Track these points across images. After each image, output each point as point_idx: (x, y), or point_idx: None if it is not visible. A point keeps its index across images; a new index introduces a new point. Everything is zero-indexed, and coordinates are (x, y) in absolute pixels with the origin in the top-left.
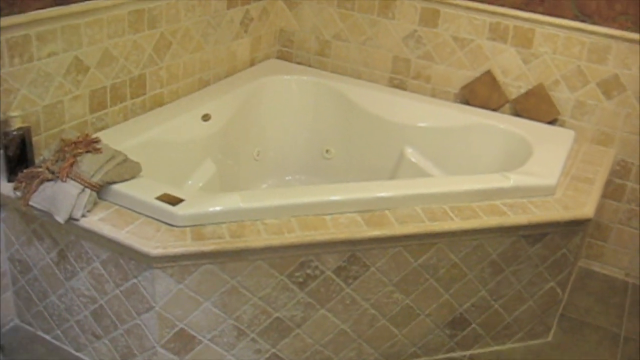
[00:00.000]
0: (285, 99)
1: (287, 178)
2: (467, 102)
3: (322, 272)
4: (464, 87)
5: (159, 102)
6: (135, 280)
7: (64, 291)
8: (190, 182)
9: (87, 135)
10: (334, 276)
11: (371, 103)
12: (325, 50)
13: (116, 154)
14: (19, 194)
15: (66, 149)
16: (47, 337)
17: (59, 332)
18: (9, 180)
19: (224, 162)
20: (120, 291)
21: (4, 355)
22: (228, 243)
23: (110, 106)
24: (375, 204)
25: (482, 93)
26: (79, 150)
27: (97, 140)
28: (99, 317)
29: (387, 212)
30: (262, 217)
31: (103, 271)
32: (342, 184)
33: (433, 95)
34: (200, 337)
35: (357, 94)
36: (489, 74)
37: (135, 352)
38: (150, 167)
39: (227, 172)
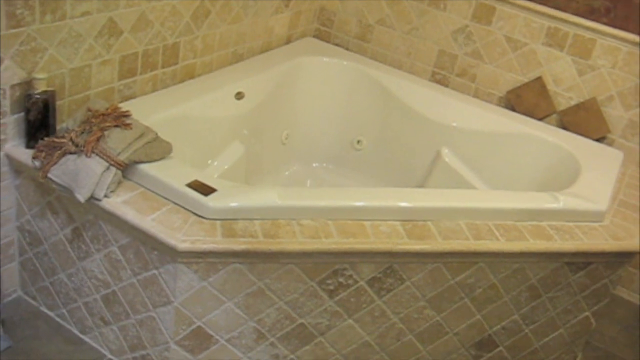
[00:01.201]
0: (322, 82)
1: (314, 165)
2: (511, 108)
3: (356, 282)
4: (511, 92)
5: (190, 74)
6: (155, 272)
7: (75, 270)
8: (216, 162)
9: (116, 107)
10: (367, 287)
11: (410, 97)
12: (367, 34)
13: (147, 131)
14: (37, 163)
15: (93, 120)
16: (51, 314)
17: (64, 310)
18: (28, 146)
19: (251, 143)
20: (138, 280)
21: (5, 330)
22: (261, 244)
23: (140, 74)
24: (418, 214)
25: (529, 100)
26: (107, 124)
27: (127, 114)
28: (110, 302)
29: (429, 223)
30: (298, 216)
31: (121, 257)
32: (384, 189)
33: (476, 96)
34: (217, 337)
35: (396, 85)
36: (539, 80)
37: (146, 344)
38: (176, 143)
39: (253, 155)
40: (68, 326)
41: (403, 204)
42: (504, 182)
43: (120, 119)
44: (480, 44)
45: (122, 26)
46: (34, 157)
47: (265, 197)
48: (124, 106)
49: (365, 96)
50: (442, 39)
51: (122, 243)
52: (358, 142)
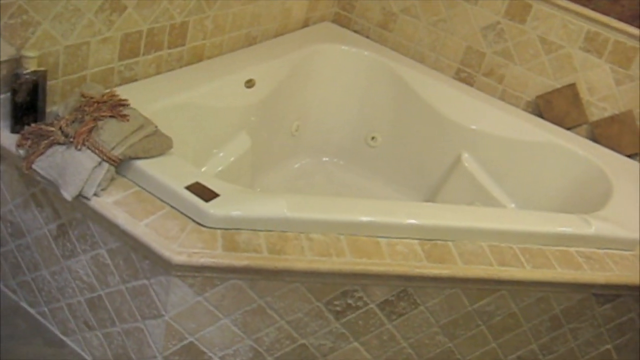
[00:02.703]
0: (338, 71)
1: (324, 159)
2: (539, 114)
3: (366, 304)
4: (540, 97)
5: (198, 56)
6: (146, 282)
7: (59, 269)
8: (222, 153)
9: (112, 94)
10: (377, 310)
11: (432, 94)
12: (389, 23)
13: (146, 123)
14: (22, 152)
15: (86, 108)
16: (32, 310)
17: (45, 309)
18: (13, 131)
19: (259, 134)
20: (126, 288)
21: None
22: (265, 260)
23: (143, 54)
24: (439, 234)
25: (559, 107)
26: (102, 113)
27: (124, 103)
28: (95, 307)
29: (450, 244)
30: (308, 230)
31: (109, 261)
32: (403, 203)
33: (502, 98)
34: (210, 354)
35: (418, 81)
36: (572, 87)
37: (132, 355)
38: (179, 133)
39: (261, 146)
40: (49, 326)
41: (422, 222)
42: (526, 194)
43: (117, 109)
44: (511, 43)
45: (126, 1)
46: (18, 145)
47: (273, 207)
48: (124, 90)
49: (383, 90)
50: (470, 35)
51: (111, 247)
52: (372, 138)
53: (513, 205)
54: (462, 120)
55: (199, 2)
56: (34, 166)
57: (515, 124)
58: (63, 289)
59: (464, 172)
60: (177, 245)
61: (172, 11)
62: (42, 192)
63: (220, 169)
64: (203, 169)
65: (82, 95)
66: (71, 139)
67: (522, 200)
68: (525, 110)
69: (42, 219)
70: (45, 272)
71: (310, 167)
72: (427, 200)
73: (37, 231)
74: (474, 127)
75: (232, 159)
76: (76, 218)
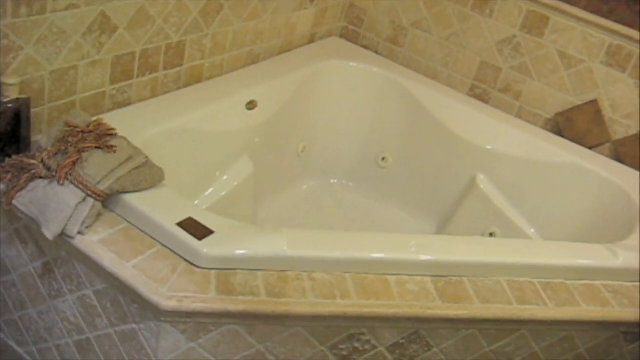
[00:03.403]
0: (346, 89)
1: (332, 181)
2: (559, 132)
3: (374, 348)
4: (560, 114)
5: (197, 77)
6: (135, 326)
7: (46, 308)
8: (225, 177)
9: (99, 123)
10: (386, 353)
11: (445, 112)
12: (400, 38)
13: (135, 153)
14: (2, 186)
15: (70, 139)
16: (20, 350)
17: (34, 349)
18: None
19: (263, 157)
20: (115, 332)
21: None
22: (264, 304)
23: (137, 77)
24: (452, 270)
25: (580, 125)
26: (87, 145)
27: (112, 133)
28: (84, 350)
29: (465, 280)
30: (310, 268)
31: (96, 303)
32: (413, 237)
33: (519, 116)
34: None
35: (430, 98)
36: (594, 104)
37: None
38: (175, 159)
39: (266, 169)
40: None
41: (435, 257)
42: (546, 219)
43: (103, 139)
44: (528, 58)
45: (116, 22)
46: None
47: (273, 244)
48: (116, 115)
49: (394, 108)
50: (485, 49)
51: (97, 288)
52: (383, 159)
53: (532, 230)
54: (477, 140)
55: (197, 20)
56: (14, 202)
57: (534, 143)
58: (51, 330)
59: (480, 195)
60: (166, 289)
61: (167, 30)
62: (26, 228)
63: (223, 193)
64: (207, 192)
65: (67, 125)
66: (53, 173)
67: (541, 225)
68: (544, 128)
69: (26, 256)
70: (32, 311)
71: (318, 189)
72: (441, 224)
73: (23, 268)
74: (489, 147)
75: (235, 183)
76: (61, 257)
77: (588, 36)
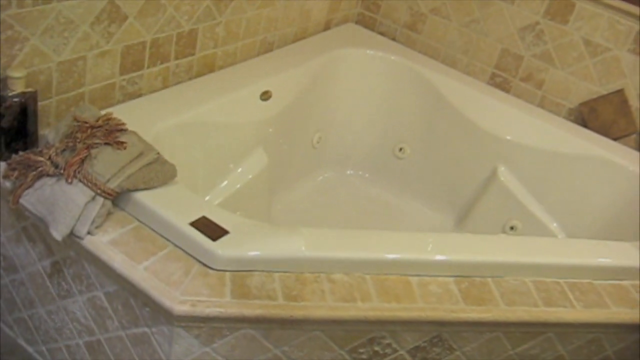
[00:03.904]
0: (363, 78)
1: (348, 172)
2: (583, 122)
3: (395, 351)
4: (584, 104)
5: (209, 66)
6: (147, 330)
7: (55, 308)
8: (240, 169)
9: (109, 117)
10: (407, 356)
11: (465, 102)
12: (418, 24)
13: (146, 149)
14: (8, 184)
15: (78, 135)
16: (30, 349)
17: (44, 348)
18: (1, 158)
19: (278, 148)
20: (126, 335)
21: None
22: (281, 308)
23: (148, 67)
24: (476, 270)
25: (605, 115)
26: (96, 141)
27: (122, 128)
28: (95, 352)
29: (489, 281)
30: (328, 270)
31: (107, 305)
32: (436, 235)
33: (541, 105)
34: None
35: (450, 87)
36: (620, 94)
37: None
38: (188, 152)
39: (280, 160)
40: None
41: (458, 258)
42: (569, 213)
43: (113, 135)
44: (552, 46)
45: (126, 10)
46: (4, 176)
47: (290, 245)
48: (126, 107)
49: (412, 97)
50: (506, 36)
51: (108, 290)
52: (400, 149)
53: (555, 225)
54: (498, 131)
55: (209, 8)
56: (21, 201)
57: (557, 134)
58: (60, 330)
59: (501, 187)
60: (179, 292)
61: (178, 19)
62: (34, 227)
63: (238, 186)
64: (222, 185)
65: (75, 119)
66: (61, 171)
67: (564, 219)
68: (566, 118)
69: (35, 254)
70: (41, 310)
71: (333, 181)
72: (460, 217)
73: (31, 267)
74: (510, 137)
75: (249, 176)
76: (70, 257)
77: (615, 23)
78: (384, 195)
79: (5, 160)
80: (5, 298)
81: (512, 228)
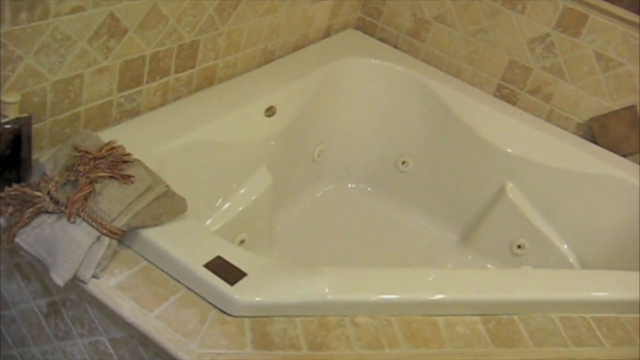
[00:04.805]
0: (366, 88)
1: (349, 185)
2: (592, 138)
3: None
4: (594, 119)
5: (209, 78)
6: None
7: (51, 349)
8: (242, 190)
9: (112, 146)
10: None
11: (472, 115)
12: (421, 32)
13: (154, 182)
14: (2, 221)
15: (80, 168)
16: None
17: None
18: None
19: (279, 163)
20: None
21: None
22: (305, 358)
23: (147, 82)
24: (503, 308)
25: (616, 132)
26: (100, 174)
27: (127, 159)
28: None
29: (516, 319)
30: (352, 311)
31: (112, 351)
32: (460, 272)
33: (549, 120)
34: None
35: (455, 99)
36: (632, 110)
37: None
38: (189, 174)
39: (281, 176)
40: None
41: (486, 296)
42: (580, 233)
43: (118, 167)
44: (562, 58)
45: (126, 24)
46: None
47: (312, 288)
48: (125, 128)
49: (416, 109)
50: (515, 47)
51: (113, 336)
52: (403, 163)
53: (566, 247)
54: (506, 145)
55: (212, 18)
56: (17, 240)
57: (567, 150)
58: None
59: (509, 205)
60: (196, 344)
61: (180, 30)
62: (29, 264)
63: (241, 208)
64: (224, 208)
65: (75, 148)
66: (62, 208)
67: (575, 240)
68: (575, 133)
69: (29, 292)
70: (34, 349)
71: (335, 195)
72: (465, 234)
73: (24, 305)
74: (519, 153)
75: (253, 197)
76: (70, 299)
77: (630, 37)
78: (387, 209)
79: None
80: None
81: (519, 247)
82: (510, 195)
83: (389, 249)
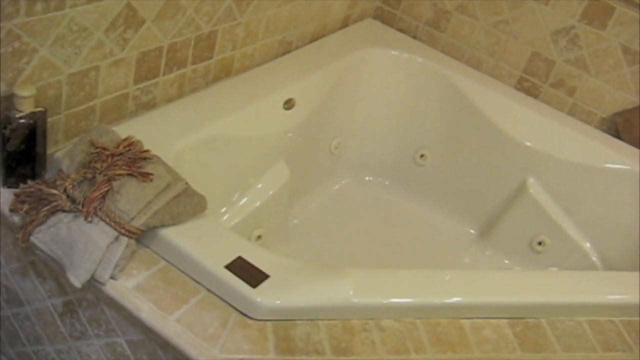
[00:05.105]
0: (385, 80)
1: (366, 179)
2: (615, 133)
3: None
4: (618, 114)
5: (226, 69)
6: None
7: (66, 348)
8: (260, 185)
9: (131, 141)
10: None
11: (493, 108)
12: (441, 22)
13: (173, 180)
14: (16, 219)
15: (97, 165)
16: None
17: None
18: (6, 184)
19: (297, 157)
20: None
21: None
22: None
23: (164, 74)
24: (530, 311)
25: None
26: (118, 172)
27: (146, 156)
28: None
29: (543, 322)
30: (377, 315)
31: (129, 352)
32: (486, 274)
33: (572, 114)
34: None
35: (476, 92)
36: None
37: None
38: (206, 169)
39: (298, 169)
40: None
41: (513, 300)
42: (602, 230)
43: (136, 164)
44: (587, 51)
45: (143, 14)
46: (12, 210)
47: (337, 291)
48: (141, 122)
49: (435, 101)
50: (538, 39)
51: (131, 338)
52: (421, 156)
53: (588, 245)
54: (528, 140)
55: (230, 8)
56: (32, 239)
57: (591, 146)
58: None
59: (530, 200)
60: (218, 349)
61: (198, 20)
62: (43, 263)
63: (258, 204)
64: (241, 203)
65: (92, 144)
66: (79, 207)
67: (597, 238)
68: (598, 127)
69: (44, 291)
70: (49, 348)
71: (351, 188)
72: (484, 229)
73: (39, 303)
74: (541, 148)
75: (270, 192)
76: (87, 299)
77: None
78: (404, 203)
79: (10, 186)
80: (6, 330)
81: (540, 243)
82: (531, 190)
83: (406, 243)
